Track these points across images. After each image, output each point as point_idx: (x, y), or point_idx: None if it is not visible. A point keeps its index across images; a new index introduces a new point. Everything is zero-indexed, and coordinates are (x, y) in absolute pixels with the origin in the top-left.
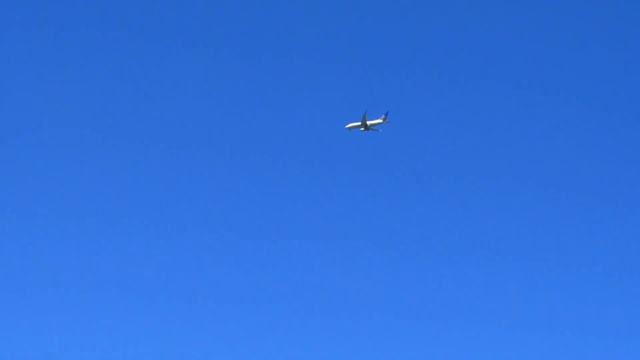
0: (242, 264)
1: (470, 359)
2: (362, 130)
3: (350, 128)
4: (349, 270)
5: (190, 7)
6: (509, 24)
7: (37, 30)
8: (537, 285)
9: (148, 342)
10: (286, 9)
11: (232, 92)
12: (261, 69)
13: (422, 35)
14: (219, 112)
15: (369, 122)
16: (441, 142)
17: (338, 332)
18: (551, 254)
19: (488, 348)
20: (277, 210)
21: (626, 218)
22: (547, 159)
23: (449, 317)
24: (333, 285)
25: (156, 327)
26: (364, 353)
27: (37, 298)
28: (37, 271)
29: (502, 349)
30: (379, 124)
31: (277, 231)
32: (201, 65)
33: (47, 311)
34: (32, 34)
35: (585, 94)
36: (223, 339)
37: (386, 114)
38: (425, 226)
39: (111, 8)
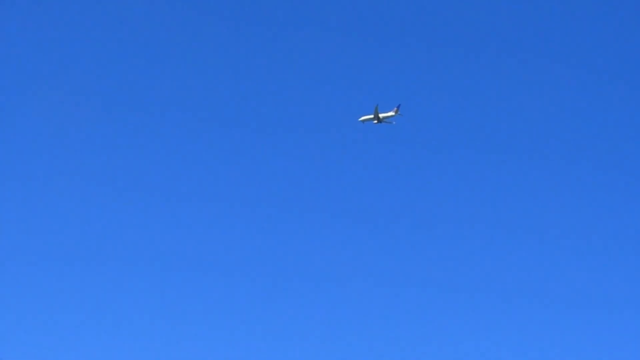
0: (252, 252)
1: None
2: (375, 123)
3: (363, 121)
4: (357, 257)
5: None
6: (515, 15)
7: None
8: (553, 266)
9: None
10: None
11: (246, 85)
12: (275, 63)
13: (431, 27)
14: (233, 105)
15: (381, 115)
16: (452, 133)
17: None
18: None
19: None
20: (291, 203)
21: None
22: (563, 155)
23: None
24: (346, 271)
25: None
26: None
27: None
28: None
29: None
30: (391, 116)
31: (291, 220)
32: (213, 56)
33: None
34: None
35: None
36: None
37: (398, 107)
38: (437, 215)
39: None
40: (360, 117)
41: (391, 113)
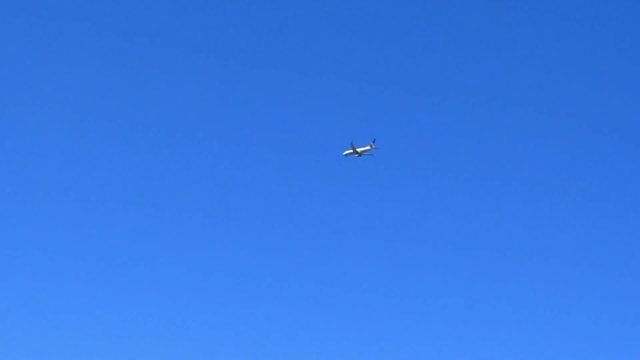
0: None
1: None
2: (357, 157)
3: (346, 155)
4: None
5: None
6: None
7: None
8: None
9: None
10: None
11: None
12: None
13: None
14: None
15: (359, 149)
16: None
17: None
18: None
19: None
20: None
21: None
22: (549, 173)
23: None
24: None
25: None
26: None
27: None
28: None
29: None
30: (368, 150)
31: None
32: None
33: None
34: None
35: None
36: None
37: (373, 141)
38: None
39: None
40: (344, 151)
41: (367, 147)
